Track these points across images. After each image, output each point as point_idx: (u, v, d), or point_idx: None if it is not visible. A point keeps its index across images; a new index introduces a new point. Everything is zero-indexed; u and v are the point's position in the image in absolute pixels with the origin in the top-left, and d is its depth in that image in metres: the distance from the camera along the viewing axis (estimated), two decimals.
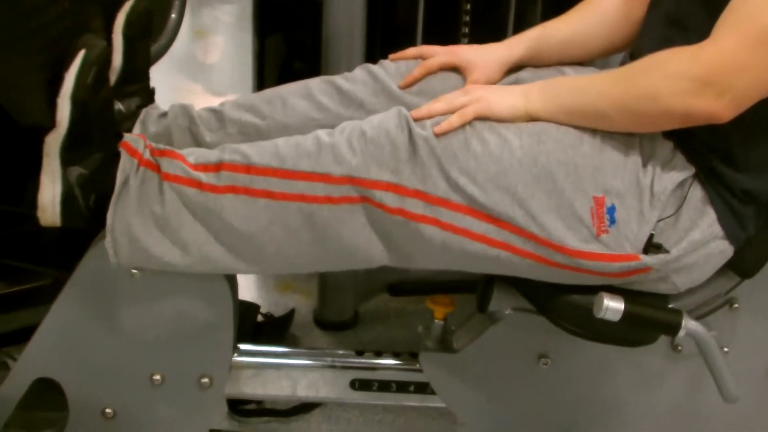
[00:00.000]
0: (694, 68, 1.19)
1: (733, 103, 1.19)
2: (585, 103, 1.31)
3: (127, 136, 1.35)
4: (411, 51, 1.57)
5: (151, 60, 1.59)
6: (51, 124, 1.27)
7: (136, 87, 1.53)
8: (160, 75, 1.93)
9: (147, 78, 1.58)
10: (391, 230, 1.31)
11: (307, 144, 1.32)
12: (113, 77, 1.47)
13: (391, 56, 1.58)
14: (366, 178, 1.28)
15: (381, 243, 1.33)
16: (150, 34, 1.57)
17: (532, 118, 1.33)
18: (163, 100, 1.62)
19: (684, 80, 1.20)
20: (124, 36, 1.47)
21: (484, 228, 1.29)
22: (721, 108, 1.19)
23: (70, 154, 1.29)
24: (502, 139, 1.29)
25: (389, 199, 1.28)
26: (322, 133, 1.33)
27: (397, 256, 1.36)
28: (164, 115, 1.55)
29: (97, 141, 1.32)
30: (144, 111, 1.53)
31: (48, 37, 1.27)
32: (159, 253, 1.33)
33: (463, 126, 1.30)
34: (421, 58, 1.55)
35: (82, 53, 1.26)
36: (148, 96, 1.57)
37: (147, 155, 1.33)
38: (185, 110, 1.55)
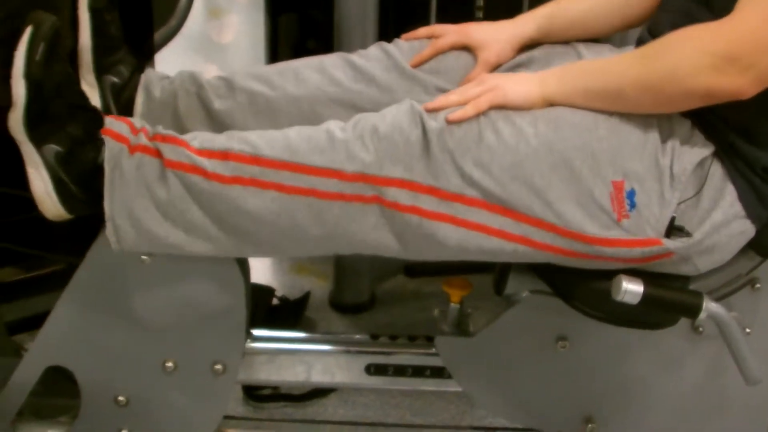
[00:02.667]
0: (716, 45, 1.16)
1: (756, 80, 1.16)
2: (603, 84, 1.28)
3: (108, 121, 1.33)
4: (422, 31, 1.55)
5: (120, 26, 1.55)
6: (7, 103, 1.25)
7: (119, 56, 1.51)
8: (174, 56, 1.92)
9: (123, 45, 1.54)
10: (405, 230, 1.29)
11: (319, 138, 1.30)
12: (88, 54, 1.46)
13: (404, 36, 1.56)
14: (379, 175, 1.26)
15: (394, 240, 1.31)
16: (115, 4, 1.54)
17: (549, 103, 1.31)
18: None
19: (706, 57, 1.17)
20: (90, 9, 1.45)
21: (500, 222, 1.27)
22: (745, 85, 1.16)
23: (36, 131, 1.27)
24: (516, 128, 1.27)
25: (402, 196, 1.27)
26: (335, 128, 1.30)
27: (410, 252, 1.34)
28: (168, 79, 1.54)
29: (62, 115, 1.29)
30: (144, 77, 1.52)
31: (3, 13, 1.26)
32: (163, 233, 1.32)
33: (477, 115, 1.28)
34: (433, 37, 1.53)
35: (29, 30, 1.24)
36: (135, 61, 1.54)
37: (143, 140, 1.31)
38: (194, 76, 1.53)
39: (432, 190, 1.26)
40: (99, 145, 1.30)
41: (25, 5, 1.28)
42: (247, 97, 1.51)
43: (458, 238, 1.28)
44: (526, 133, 1.26)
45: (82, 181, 1.30)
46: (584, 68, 1.35)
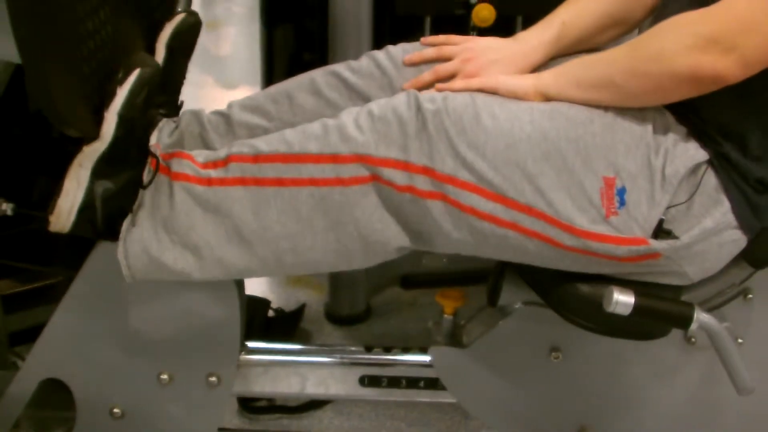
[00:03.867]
0: (701, 26, 1.18)
1: (740, 63, 1.16)
2: (595, 72, 1.30)
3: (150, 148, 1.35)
4: (430, 53, 1.50)
5: (185, 76, 1.58)
6: (92, 135, 1.26)
7: (165, 99, 1.52)
8: None
9: (178, 92, 1.57)
10: (402, 207, 1.29)
11: (313, 128, 1.31)
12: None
13: (408, 59, 1.51)
14: (374, 155, 1.27)
15: (395, 222, 1.31)
16: (191, 51, 1.56)
17: (543, 95, 1.32)
18: None
19: (690, 37, 1.18)
20: (168, 47, 1.47)
21: (491, 207, 1.27)
22: (729, 67, 1.16)
23: (104, 168, 1.29)
24: (512, 114, 1.27)
25: (398, 176, 1.27)
26: (328, 119, 1.32)
27: (414, 237, 1.33)
28: (175, 122, 1.54)
29: (131, 160, 1.31)
30: (163, 120, 1.52)
31: (90, 47, 1.26)
32: (171, 260, 1.32)
33: (467, 91, 1.29)
34: (440, 59, 1.49)
35: (137, 71, 1.26)
36: (174, 109, 1.56)
37: (160, 161, 1.33)
38: (196, 116, 1.53)
39: (426, 171, 1.26)
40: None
41: (110, 41, 1.29)
42: (246, 131, 1.51)
43: (452, 219, 1.28)
44: (522, 119, 1.27)
45: (110, 216, 1.31)
46: (577, 61, 1.36)
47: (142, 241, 1.31)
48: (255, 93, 1.56)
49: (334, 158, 1.27)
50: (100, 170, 1.29)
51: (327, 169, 1.28)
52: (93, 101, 1.25)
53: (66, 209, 1.29)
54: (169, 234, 1.31)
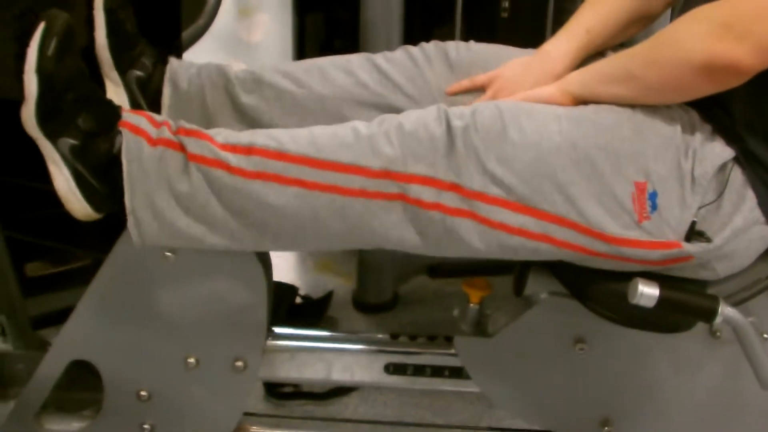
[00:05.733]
0: (715, 13, 1.17)
1: (755, 50, 1.15)
2: (615, 66, 1.31)
3: (125, 115, 1.33)
4: (465, 83, 1.53)
5: (134, 19, 1.56)
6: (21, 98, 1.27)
7: (138, 49, 1.51)
8: (205, 54, 1.93)
9: (141, 39, 1.55)
10: (427, 226, 1.29)
11: (345, 134, 1.30)
12: (106, 53, 1.47)
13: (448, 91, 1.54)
14: (402, 171, 1.26)
15: (416, 236, 1.31)
16: (128, 2, 1.55)
17: (568, 94, 1.33)
18: None
19: (704, 24, 1.18)
20: (105, 10, 1.46)
21: (521, 221, 1.26)
22: (743, 54, 1.15)
23: (48, 126, 1.28)
24: (540, 125, 1.27)
25: (426, 193, 1.26)
26: (360, 125, 1.31)
27: (431, 247, 1.33)
28: (195, 70, 1.55)
29: (73, 109, 1.30)
30: (169, 68, 1.53)
31: (19, 10, 1.27)
32: (184, 226, 1.32)
33: (499, 111, 1.28)
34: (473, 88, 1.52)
35: (42, 26, 1.25)
36: (156, 52, 1.55)
37: (166, 134, 1.31)
38: (221, 69, 1.54)
39: (455, 187, 1.26)
40: (113, 136, 1.31)
41: (39, 3, 1.29)
42: (274, 93, 1.52)
43: (480, 236, 1.28)
44: (550, 129, 1.26)
45: (100, 173, 1.31)
46: (601, 60, 1.37)
47: (155, 209, 1.31)
48: (287, 62, 1.57)
49: (362, 171, 1.27)
50: (48, 130, 1.28)
51: (353, 179, 1.27)
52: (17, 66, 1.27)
53: (67, 191, 1.31)
54: (182, 207, 1.31)
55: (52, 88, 1.26)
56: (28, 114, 1.26)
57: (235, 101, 1.52)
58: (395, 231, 1.30)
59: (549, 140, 1.25)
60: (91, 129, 1.30)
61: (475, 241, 1.29)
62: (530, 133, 1.26)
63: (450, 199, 1.26)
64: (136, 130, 1.32)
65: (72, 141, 1.29)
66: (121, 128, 1.31)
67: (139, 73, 1.50)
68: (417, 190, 1.26)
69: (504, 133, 1.26)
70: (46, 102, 1.26)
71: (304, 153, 1.28)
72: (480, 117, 1.27)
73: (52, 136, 1.28)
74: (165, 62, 1.55)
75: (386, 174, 1.26)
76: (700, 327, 1.47)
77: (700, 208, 1.27)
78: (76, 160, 1.29)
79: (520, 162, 1.25)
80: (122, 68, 1.49)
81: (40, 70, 1.24)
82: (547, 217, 1.26)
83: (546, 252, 1.30)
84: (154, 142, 1.31)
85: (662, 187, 1.26)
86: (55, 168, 1.30)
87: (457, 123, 1.26)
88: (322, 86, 1.51)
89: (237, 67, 1.57)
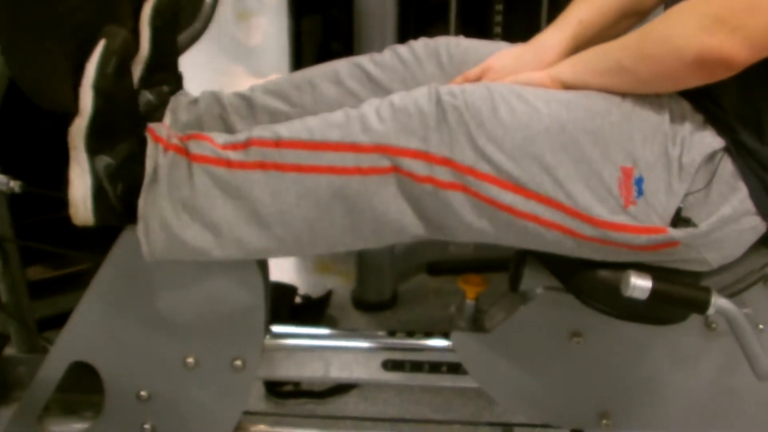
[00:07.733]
0: (707, 6, 1.18)
1: (746, 44, 1.16)
2: (608, 58, 1.31)
3: (151, 124, 1.35)
4: (458, 79, 1.51)
5: (178, 49, 1.60)
6: (73, 111, 1.28)
7: (164, 75, 1.53)
8: (203, 58, 1.94)
9: (175, 66, 1.59)
10: (421, 198, 1.29)
11: (335, 116, 1.32)
12: (140, 67, 1.47)
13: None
14: (394, 145, 1.27)
15: (413, 213, 1.31)
16: (177, 24, 1.58)
17: (559, 81, 1.34)
18: (206, 82, 1.64)
19: (697, 18, 1.18)
20: (151, 26, 1.47)
21: (510, 198, 1.27)
22: (734, 48, 1.16)
23: (95, 143, 1.29)
24: (530, 106, 1.28)
25: (418, 167, 1.27)
26: (350, 108, 1.32)
27: (431, 227, 1.34)
28: (194, 101, 1.55)
29: (122, 131, 1.33)
30: (172, 99, 1.53)
31: (73, 24, 1.28)
32: (191, 237, 1.32)
33: (489, 91, 1.29)
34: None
35: (102, 43, 1.27)
36: (177, 84, 1.57)
37: (174, 140, 1.33)
38: (216, 97, 1.55)
39: (447, 162, 1.26)
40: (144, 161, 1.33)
41: (93, 17, 1.31)
42: (267, 115, 1.53)
43: (473, 209, 1.29)
44: (540, 111, 1.27)
45: (125, 196, 1.32)
46: (593, 49, 1.36)
47: (162, 219, 1.32)
48: (278, 78, 1.58)
49: (355, 147, 1.28)
50: (92, 146, 1.29)
51: (347, 157, 1.28)
52: (74, 79, 1.27)
53: (80, 198, 1.31)
54: (188, 213, 1.32)
55: (109, 107, 1.28)
56: (79, 128, 1.28)
57: (232, 129, 1.53)
58: (393, 206, 1.30)
59: (539, 122, 1.26)
60: (131, 152, 1.33)
61: (468, 214, 1.29)
62: (520, 114, 1.27)
63: (443, 173, 1.27)
64: (157, 138, 1.34)
65: (110, 160, 1.31)
66: (146, 133, 1.34)
67: (151, 97, 1.51)
68: (409, 164, 1.27)
69: (494, 112, 1.27)
70: (100, 120, 1.28)
71: (297, 137, 1.30)
72: (470, 97, 1.28)
73: (93, 152, 1.30)
74: (177, 92, 1.56)
75: (378, 148, 1.28)
76: (696, 319, 1.47)
77: (687, 195, 1.28)
78: (106, 179, 1.31)
79: (510, 142, 1.26)
80: (143, 86, 1.50)
81: (98, 87, 1.26)
82: (536, 197, 1.27)
83: (534, 232, 1.30)
84: (167, 147, 1.33)
85: (649, 174, 1.27)
86: (78, 176, 1.31)
87: (448, 99, 1.27)
88: (313, 102, 1.53)
89: (238, 75, 1.58)
